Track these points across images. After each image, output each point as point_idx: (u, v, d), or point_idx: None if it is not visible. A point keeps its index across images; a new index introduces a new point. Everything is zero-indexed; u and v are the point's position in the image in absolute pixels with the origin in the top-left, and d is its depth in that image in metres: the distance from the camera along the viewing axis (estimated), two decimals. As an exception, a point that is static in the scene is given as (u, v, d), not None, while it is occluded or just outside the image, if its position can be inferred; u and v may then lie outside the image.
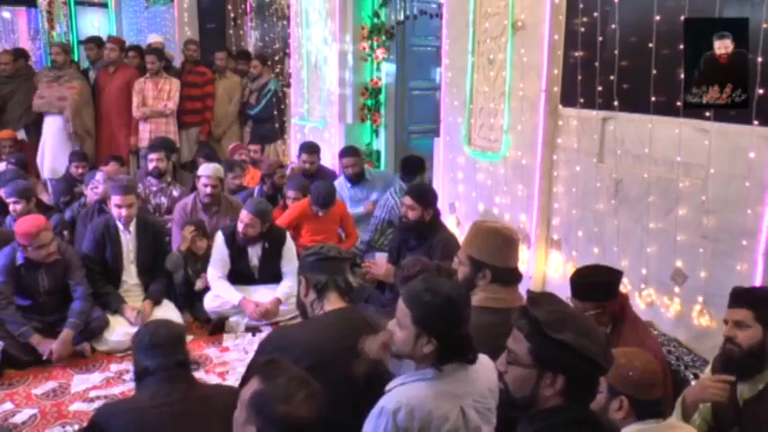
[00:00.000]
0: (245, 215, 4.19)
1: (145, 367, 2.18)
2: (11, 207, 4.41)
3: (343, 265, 2.52)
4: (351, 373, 2.17)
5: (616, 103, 3.48)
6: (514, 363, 1.59)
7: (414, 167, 5.10)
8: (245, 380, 2.44)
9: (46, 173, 6.52)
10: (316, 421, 1.59)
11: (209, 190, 4.70)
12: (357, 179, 5.40)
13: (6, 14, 10.75)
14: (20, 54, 7.27)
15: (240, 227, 4.21)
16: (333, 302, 2.41)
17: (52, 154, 6.53)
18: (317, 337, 2.28)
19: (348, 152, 5.46)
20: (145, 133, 6.59)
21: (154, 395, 2.10)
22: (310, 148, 5.64)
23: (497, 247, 2.45)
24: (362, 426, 1.91)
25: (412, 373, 1.94)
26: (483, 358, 1.99)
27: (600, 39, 3.58)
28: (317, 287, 2.41)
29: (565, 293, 2.69)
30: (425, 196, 3.99)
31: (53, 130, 6.58)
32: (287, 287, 4.23)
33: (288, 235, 4.43)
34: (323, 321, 2.38)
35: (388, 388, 1.94)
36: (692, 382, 2.70)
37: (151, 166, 5.30)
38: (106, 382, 3.57)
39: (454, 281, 2.11)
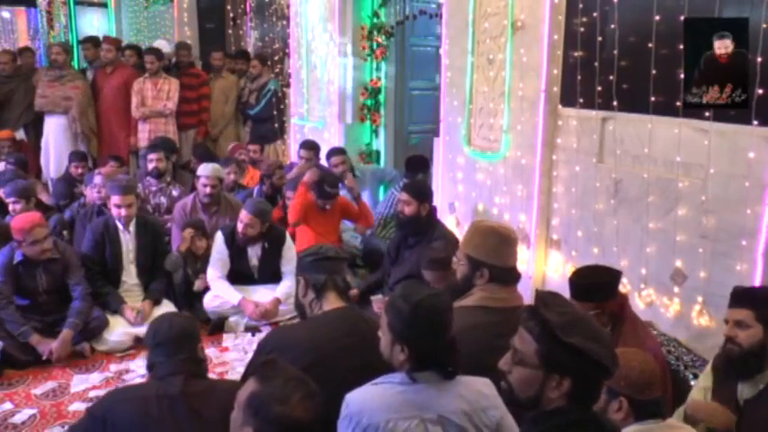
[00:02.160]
0: (244, 215, 4.19)
1: (152, 363, 2.24)
2: (10, 207, 4.42)
3: (341, 265, 2.54)
4: (349, 372, 2.18)
5: (615, 103, 3.48)
6: (520, 363, 1.58)
7: (417, 166, 5.18)
8: (244, 380, 2.45)
9: (52, 173, 6.54)
10: (312, 422, 1.59)
11: (208, 190, 4.69)
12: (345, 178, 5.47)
13: (6, 14, 10.74)
14: (26, 51, 7.36)
15: (240, 227, 4.21)
16: (331, 302, 2.42)
17: (57, 154, 6.55)
18: (316, 337, 2.28)
19: (335, 152, 5.57)
20: (144, 133, 6.60)
21: (158, 387, 2.14)
22: (307, 145, 5.69)
23: (495, 246, 2.44)
24: None
25: (384, 376, 1.94)
26: (476, 380, 1.94)
27: (599, 39, 3.58)
28: (315, 287, 2.43)
29: (564, 294, 2.69)
30: (421, 191, 4.01)
31: (56, 130, 6.59)
32: (286, 287, 4.23)
33: (288, 235, 4.43)
34: (321, 321, 2.38)
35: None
36: (692, 383, 2.70)
37: (151, 166, 5.30)
38: (106, 383, 3.57)
39: (438, 291, 2.08)
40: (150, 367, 2.25)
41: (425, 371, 1.86)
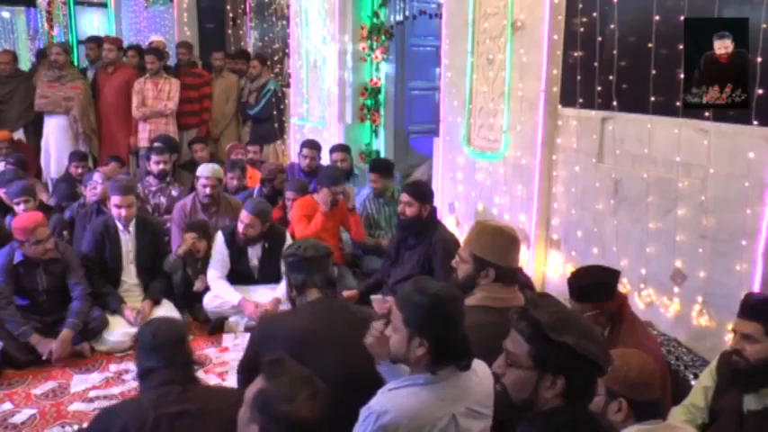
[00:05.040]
0: (244, 215, 4.19)
1: (147, 368, 2.16)
2: (20, 207, 4.37)
3: (323, 263, 2.60)
4: (336, 363, 2.23)
5: (615, 103, 3.48)
6: (513, 365, 1.58)
7: (381, 169, 5.13)
8: (239, 373, 2.54)
9: (53, 173, 6.54)
10: (318, 421, 1.60)
11: (207, 190, 4.69)
12: (346, 175, 5.47)
13: (6, 14, 10.75)
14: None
15: (240, 227, 4.20)
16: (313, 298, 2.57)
17: (58, 154, 6.55)
18: (299, 327, 2.40)
19: (337, 148, 5.63)
20: (144, 133, 6.59)
21: (155, 397, 2.09)
22: (311, 144, 5.69)
23: (502, 247, 2.45)
24: (347, 416, 1.90)
25: (405, 378, 1.93)
26: (480, 365, 1.96)
27: (599, 39, 3.58)
28: (296, 286, 2.57)
29: (565, 293, 2.70)
30: (422, 192, 3.99)
31: (57, 130, 6.59)
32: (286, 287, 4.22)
33: (288, 235, 4.42)
34: (306, 311, 2.51)
35: (380, 391, 1.93)
36: (692, 383, 2.69)
37: (158, 168, 5.28)
38: (105, 383, 3.57)
39: (447, 283, 2.10)
40: (145, 372, 2.16)
41: (445, 365, 1.87)
